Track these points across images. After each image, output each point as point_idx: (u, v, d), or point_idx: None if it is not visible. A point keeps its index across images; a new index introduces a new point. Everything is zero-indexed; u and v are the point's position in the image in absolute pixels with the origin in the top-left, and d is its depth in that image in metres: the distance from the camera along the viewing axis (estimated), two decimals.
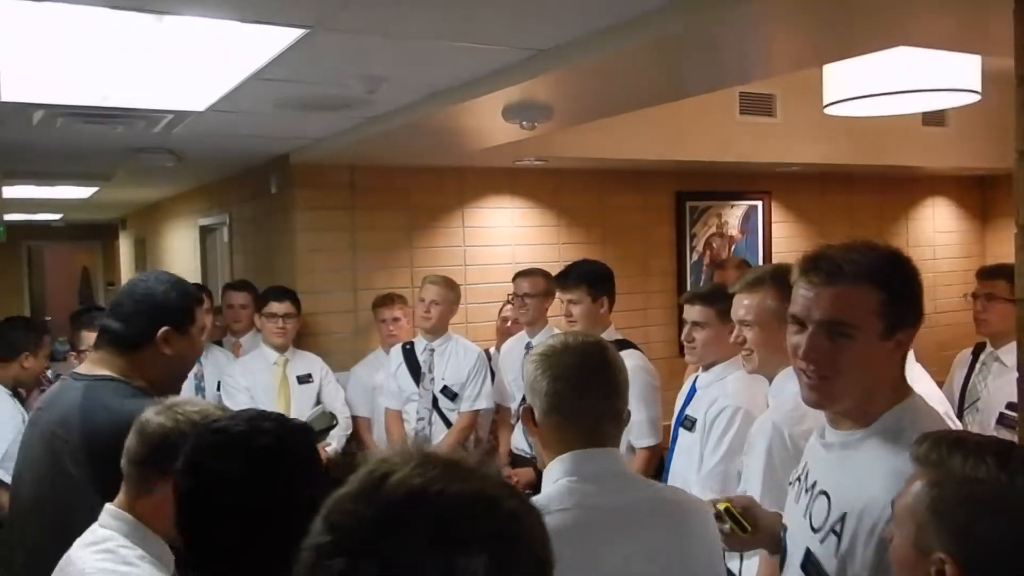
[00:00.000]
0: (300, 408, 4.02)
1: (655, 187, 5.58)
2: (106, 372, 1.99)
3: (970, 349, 3.69)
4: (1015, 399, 3.27)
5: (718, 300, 2.76)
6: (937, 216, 6.66)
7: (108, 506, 1.60)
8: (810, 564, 1.49)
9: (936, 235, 6.63)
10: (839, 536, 1.42)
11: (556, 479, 1.53)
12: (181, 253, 7.66)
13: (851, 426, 1.50)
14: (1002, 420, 3.29)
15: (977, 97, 3.36)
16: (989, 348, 3.55)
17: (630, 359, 3.50)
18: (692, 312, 2.85)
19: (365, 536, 0.67)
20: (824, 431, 1.59)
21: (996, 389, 3.37)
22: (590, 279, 3.51)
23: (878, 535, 1.33)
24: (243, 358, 4.27)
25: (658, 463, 3.64)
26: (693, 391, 2.87)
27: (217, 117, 3.38)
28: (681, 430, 2.86)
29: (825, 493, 1.51)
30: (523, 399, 4.09)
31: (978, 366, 3.58)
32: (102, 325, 2.06)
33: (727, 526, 1.69)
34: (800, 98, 4.90)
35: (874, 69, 3.16)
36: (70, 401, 1.94)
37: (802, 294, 1.49)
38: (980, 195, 6.77)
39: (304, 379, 4.23)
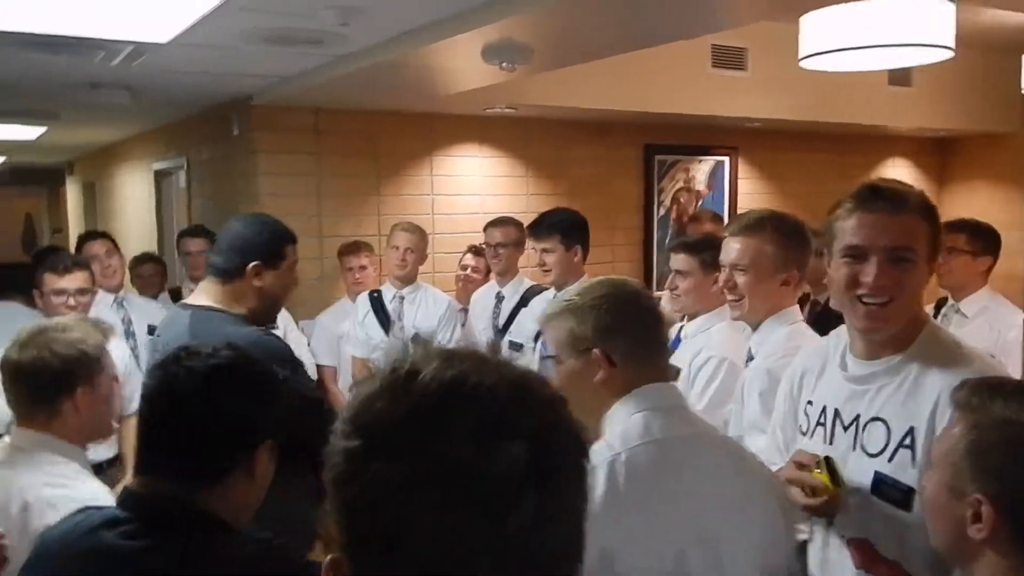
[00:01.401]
0: None
1: (624, 140, 5.55)
2: (209, 302, 2.24)
3: (933, 304, 3.75)
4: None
5: (703, 249, 2.73)
6: (897, 176, 6.74)
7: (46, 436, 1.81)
8: (883, 485, 1.54)
9: None
10: (912, 447, 1.50)
11: (631, 413, 1.50)
12: (134, 199, 7.42)
13: (888, 353, 1.60)
14: None
15: (951, 54, 3.36)
16: (951, 301, 3.61)
17: None
18: (677, 261, 2.81)
19: (402, 435, 0.64)
20: (847, 367, 1.67)
21: None
22: (563, 227, 3.47)
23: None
24: None
25: None
26: (677, 341, 2.85)
27: (181, 51, 3.24)
28: None
29: (879, 419, 1.57)
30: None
31: (940, 318, 3.63)
32: (207, 258, 2.35)
33: (817, 481, 1.59)
34: (772, 53, 4.88)
35: (851, 22, 3.15)
36: (180, 327, 2.20)
37: (863, 224, 1.57)
38: (939, 157, 6.86)
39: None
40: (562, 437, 0.67)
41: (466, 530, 0.62)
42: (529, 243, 3.69)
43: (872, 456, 1.57)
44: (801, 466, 1.63)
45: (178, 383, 1.36)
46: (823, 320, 3.10)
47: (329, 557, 0.68)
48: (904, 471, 1.51)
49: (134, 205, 7.39)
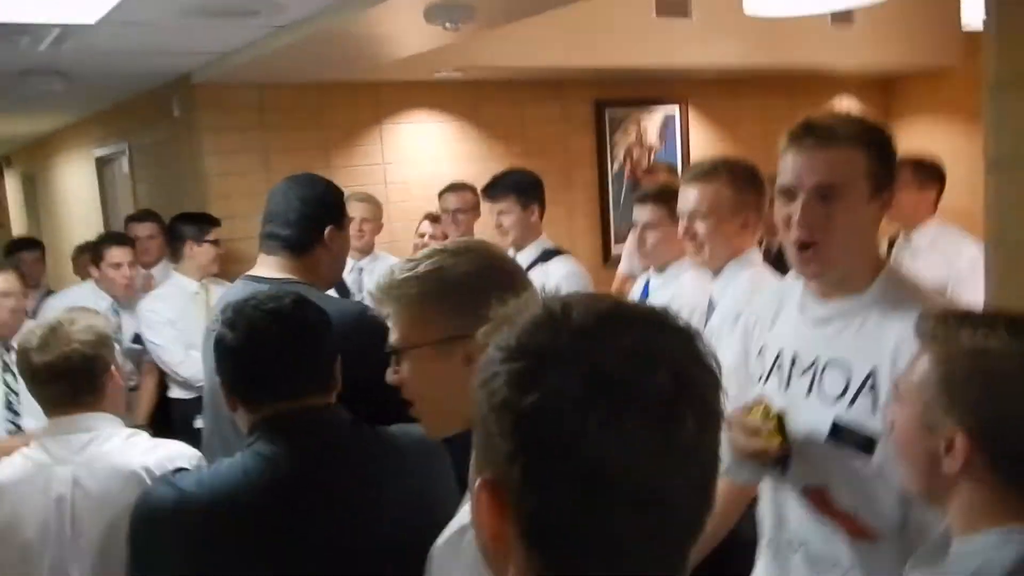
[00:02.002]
0: None
1: (574, 96, 5.50)
2: (283, 274, 2.05)
3: (887, 240, 3.81)
4: (927, 279, 3.43)
5: (670, 199, 2.72)
6: None
7: (96, 415, 1.90)
8: (842, 433, 1.47)
9: None
10: (874, 390, 1.43)
11: None
12: (77, 189, 7.21)
13: (844, 294, 1.52)
14: None
15: None
16: (903, 234, 3.68)
17: (564, 265, 3.50)
18: (644, 213, 2.80)
19: (568, 354, 0.67)
20: (805, 308, 1.58)
21: (910, 271, 3.50)
22: (519, 188, 3.44)
23: None
24: (159, 290, 4.04)
25: None
26: (645, 293, 2.85)
27: (111, 31, 3.12)
28: None
29: (837, 361, 1.49)
30: None
31: (893, 252, 3.70)
32: (270, 233, 2.10)
33: (765, 433, 1.51)
34: None
35: None
36: None
37: (793, 161, 1.49)
38: (884, 95, 6.94)
39: None
40: (702, 367, 0.71)
41: (634, 438, 0.65)
42: (485, 206, 3.66)
43: (831, 401, 1.50)
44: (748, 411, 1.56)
45: (279, 319, 1.50)
46: (776, 267, 3.14)
47: (483, 478, 0.70)
48: (866, 417, 1.45)
49: (77, 195, 7.18)
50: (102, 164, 6.30)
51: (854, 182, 1.45)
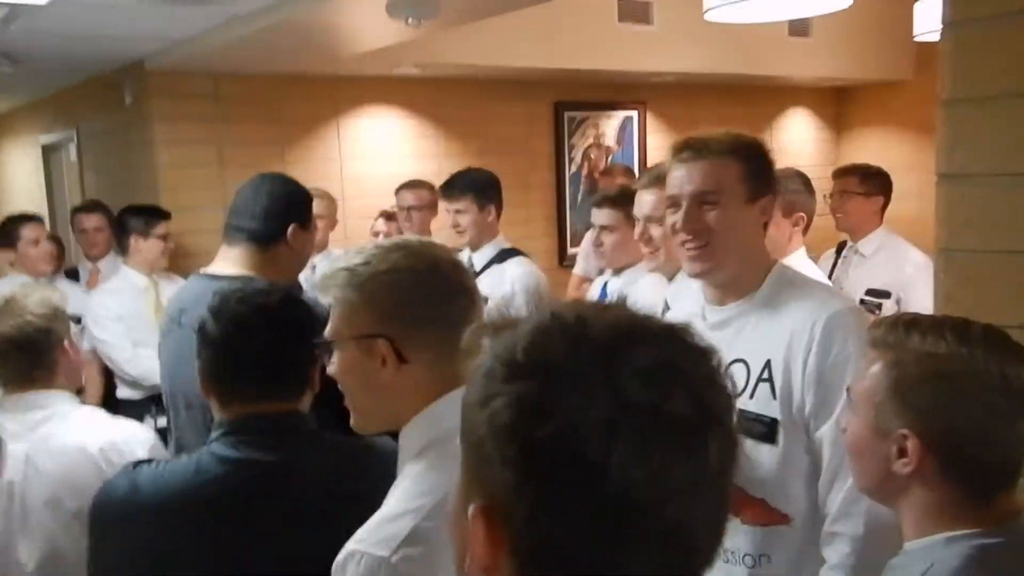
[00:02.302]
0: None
1: (534, 97, 5.50)
2: (240, 270, 2.08)
3: (835, 248, 3.88)
4: (874, 286, 3.50)
5: (628, 202, 2.73)
6: (797, 126, 6.93)
7: (51, 392, 1.87)
8: (747, 421, 1.53)
9: (796, 143, 6.90)
10: (771, 380, 1.52)
11: (440, 455, 1.14)
12: (20, 177, 7.00)
13: (737, 298, 1.63)
14: (862, 304, 3.49)
15: (849, 2, 3.44)
16: (850, 243, 3.74)
17: (520, 266, 3.49)
18: (601, 216, 2.81)
19: (592, 369, 0.62)
20: (705, 314, 1.69)
21: (856, 278, 3.57)
22: (476, 187, 3.42)
23: (814, 357, 1.46)
24: (107, 285, 3.92)
25: None
26: (603, 295, 2.85)
27: (63, 12, 3.03)
28: None
29: (739, 360, 1.57)
30: None
31: (840, 260, 3.76)
32: (235, 225, 2.15)
33: None
34: (676, 5, 4.92)
35: None
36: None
37: (674, 175, 1.63)
38: (836, 106, 7.07)
39: None
40: (718, 392, 0.66)
41: (662, 469, 0.61)
42: (442, 204, 3.64)
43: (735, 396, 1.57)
44: None
45: (254, 318, 1.49)
46: None
47: (479, 506, 0.64)
48: (766, 404, 1.53)
49: (21, 183, 6.97)
50: (49, 151, 6.12)
51: (729, 188, 1.58)
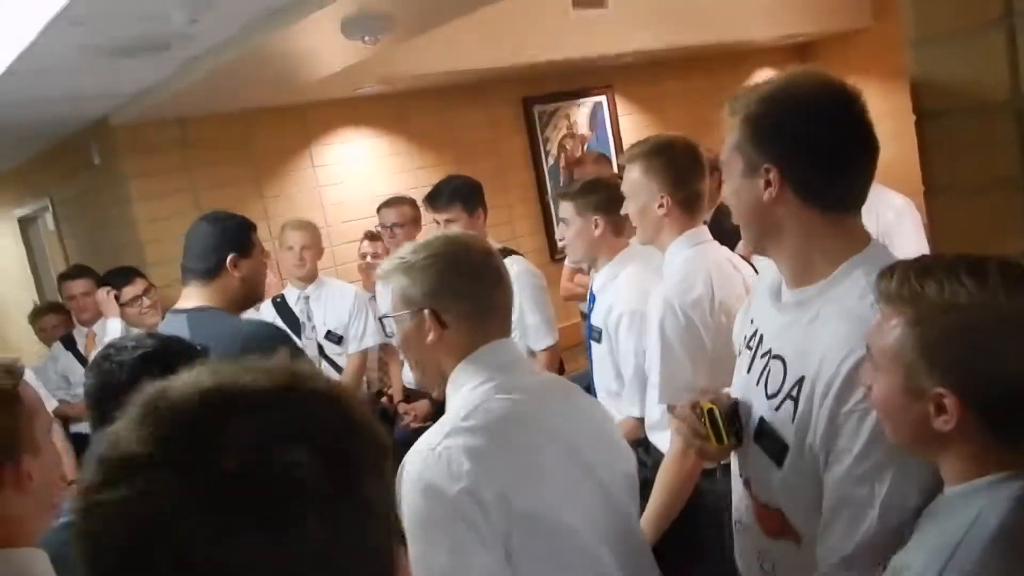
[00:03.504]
0: None
1: (501, 97, 5.49)
2: (200, 303, 2.36)
3: None
4: None
5: (579, 195, 2.69)
6: None
7: None
8: (764, 435, 1.42)
9: None
10: (796, 401, 1.33)
11: (469, 383, 1.49)
12: (1, 252, 6.96)
13: (801, 283, 1.40)
14: None
15: None
16: None
17: (516, 265, 3.48)
18: (560, 209, 2.81)
19: (163, 454, 0.58)
20: (779, 292, 1.48)
21: None
22: (464, 195, 3.42)
23: (832, 399, 1.26)
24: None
25: (559, 363, 3.66)
26: (593, 297, 2.81)
27: (18, 81, 3.01)
28: (592, 343, 2.79)
29: (780, 358, 1.41)
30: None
31: None
32: (184, 266, 2.44)
33: (702, 431, 1.48)
34: None
35: None
36: (182, 332, 2.22)
37: None
38: (802, 62, 7.05)
39: None
40: (353, 438, 0.61)
41: (247, 553, 0.55)
42: (429, 216, 3.62)
43: (768, 398, 1.41)
44: (694, 406, 1.51)
45: (114, 376, 1.59)
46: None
47: None
48: (784, 425, 1.36)
49: (3, 257, 6.93)
50: (25, 224, 6.09)
51: (728, 157, 1.43)
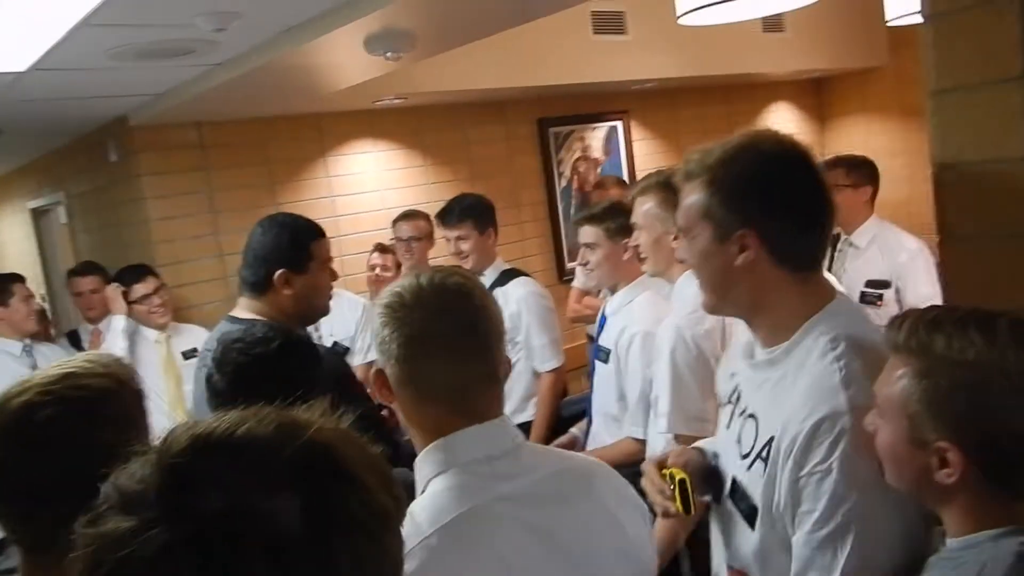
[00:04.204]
0: (191, 382, 3.77)
1: (517, 117, 5.53)
2: (250, 315, 2.16)
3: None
4: (872, 276, 3.50)
5: (607, 218, 2.69)
6: (781, 120, 6.96)
7: None
8: (736, 494, 1.41)
9: None
10: (765, 462, 1.32)
11: (428, 477, 1.21)
12: (12, 243, 7.00)
13: (773, 343, 1.39)
14: (863, 298, 3.48)
15: None
16: (843, 236, 3.72)
17: (523, 287, 3.50)
18: (584, 234, 2.75)
19: (150, 499, 0.61)
20: (753, 350, 1.47)
21: (854, 271, 3.56)
22: (475, 212, 3.44)
23: (792, 461, 1.25)
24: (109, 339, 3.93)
25: (564, 384, 3.67)
26: (603, 319, 2.82)
27: (43, 77, 3.04)
28: (597, 363, 2.79)
29: (754, 416, 1.40)
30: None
31: (836, 254, 3.76)
32: (239, 272, 2.27)
33: (672, 501, 1.46)
34: (649, 13, 4.95)
35: None
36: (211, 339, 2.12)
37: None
38: (817, 97, 7.11)
39: (190, 353, 3.96)
40: (343, 485, 0.61)
41: None
42: (440, 233, 3.64)
43: (742, 458, 1.40)
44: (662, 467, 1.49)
45: (254, 368, 1.52)
46: None
47: None
48: (755, 485, 1.34)
49: (14, 249, 6.97)
50: (38, 215, 6.13)
51: (694, 223, 1.41)
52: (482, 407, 1.22)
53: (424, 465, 1.22)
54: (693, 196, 1.37)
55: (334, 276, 2.35)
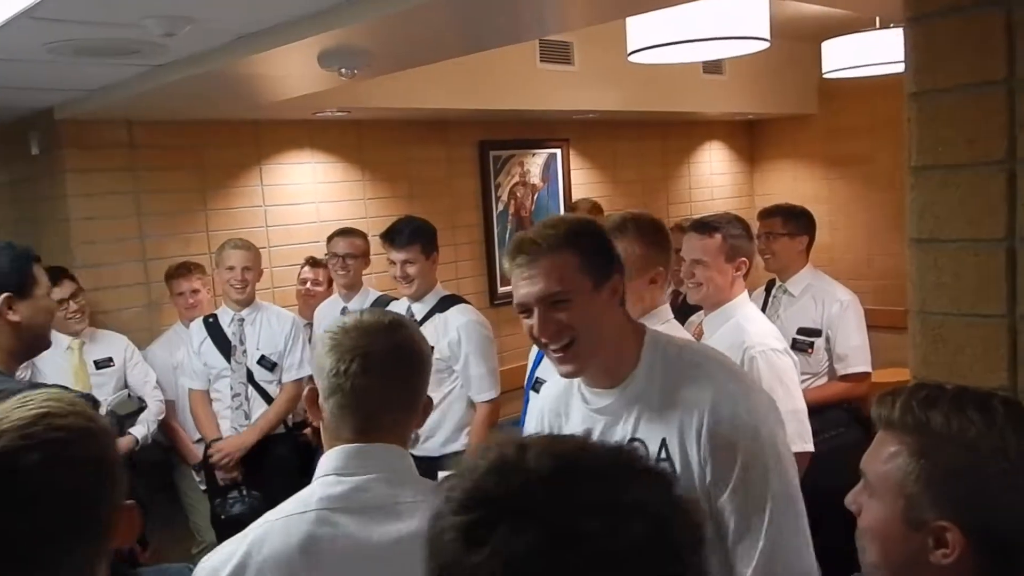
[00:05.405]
0: (101, 395, 3.58)
1: (459, 138, 5.49)
2: None
3: (763, 287, 3.95)
4: (804, 324, 3.59)
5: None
6: (713, 159, 7.13)
7: None
8: None
9: (713, 176, 7.10)
10: (669, 458, 1.53)
11: (316, 476, 1.41)
12: None
13: (616, 380, 1.61)
14: (795, 344, 3.56)
15: (767, 44, 3.56)
16: (778, 282, 3.81)
17: (464, 314, 3.46)
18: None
19: (524, 501, 0.63)
20: (587, 400, 1.67)
21: (788, 318, 3.63)
22: (423, 236, 3.40)
23: (703, 441, 1.50)
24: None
25: (497, 416, 3.63)
26: (541, 354, 2.78)
27: None
28: (532, 393, 2.75)
29: (636, 439, 1.58)
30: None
31: (770, 300, 3.84)
32: None
33: None
34: (596, 46, 4.99)
35: (674, 19, 3.26)
36: None
37: (516, 280, 1.58)
38: (748, 139, 7.31)
39: (104, 363, 3.78)
40: (681, 516, 0.66)
41: None
42: (387, 253, 3.55)
43: None
44: None
45: None
46: (685, 311, 3.21)
47: None
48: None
49: None
50: None
51: (573, 282, 1.53)
52: (381, 429, 1.42)
53: (319, 466, 1.44)
54: None
55: (56, 306, 2.24)
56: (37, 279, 2.04)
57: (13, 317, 1.95)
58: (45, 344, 2.11)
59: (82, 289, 3.83)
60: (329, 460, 1.40)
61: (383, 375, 1.38)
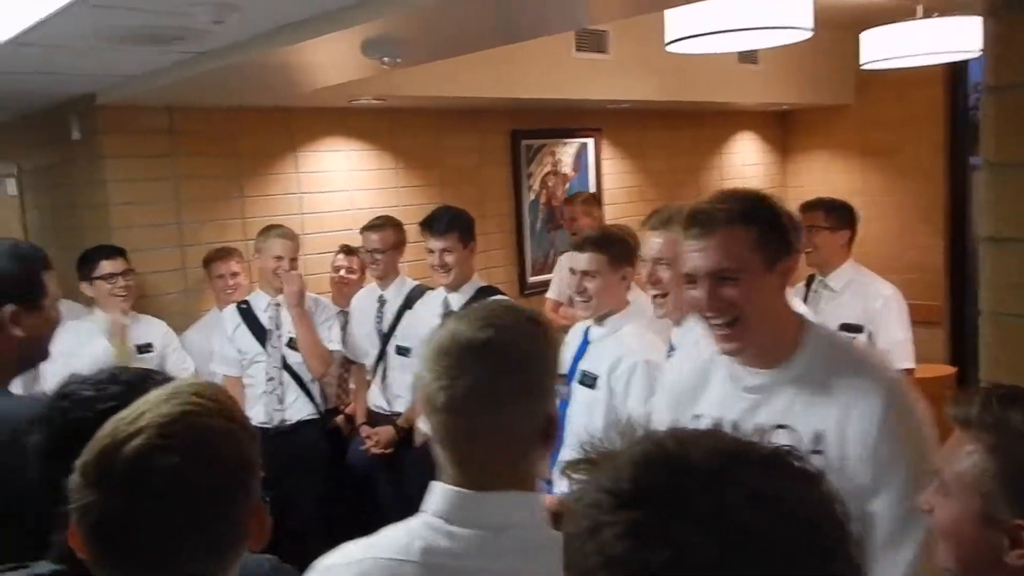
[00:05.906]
0: None
1: (491, 127, 5.48)
2: None
3: (803, 282, 3.91)
4: (846, 320, 3.55)
5: (612, 245, 2.64)
6: (745, 150, 7.06)
7: None
8: None
9: (744, 167, 7.04)
10: (824, 452, 1.48)
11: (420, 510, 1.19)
12: None
13: (772, 363, 1.56)
14: None
15: (810, 34, 3.51)
16: (819, 277, 3.77)
17: None
18: (582, 260, 2.64)
19: (700, 496, 0.62)
20: (737, 379, 1.62)
21: (828, 313, 3.59)
22: (461, 226, 3.39)
23: (871, 444, 1.44)
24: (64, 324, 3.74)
25: None
26: (585, 344, 2.76)
27: (17, 51, 2.87)
28: (578, 386, 2.71)
29: (782, 426, 1.53)
30: (379, 356, 3.88)
31: (811, 295, 3.80)
32: None
33: None
34: (631, 36, 4.96)
35: (716, 8, 3.22)
36: None
37: (687, 252, 1.56)
38: (781, 129, 7.23)
39: (144, 348, 3.80)
40: (833, 523, 0.65)
41: None
42: (426, 241, 3.54)
43: None
44: None
45: None
46: None
47: None
48: None
49: None
50: None
51: (743, 260, 1.51)
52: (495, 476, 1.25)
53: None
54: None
55: (60, 316, 1.90)
56: (47, 287, 1.79)
57: (17, 332, 1.71)
58: (44, 357, 1.87)
59: (133, 271, 3.85)
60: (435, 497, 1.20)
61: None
